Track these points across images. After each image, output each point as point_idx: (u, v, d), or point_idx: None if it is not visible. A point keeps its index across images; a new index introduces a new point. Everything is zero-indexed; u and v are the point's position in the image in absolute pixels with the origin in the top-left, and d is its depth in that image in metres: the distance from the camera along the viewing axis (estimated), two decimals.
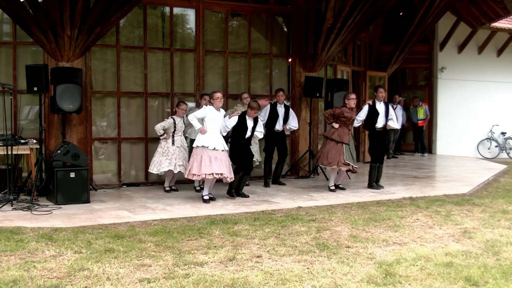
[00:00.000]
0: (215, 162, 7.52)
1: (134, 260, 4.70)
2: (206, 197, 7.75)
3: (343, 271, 4.45)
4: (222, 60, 10.17)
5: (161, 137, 8.50)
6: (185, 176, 7.84)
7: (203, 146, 7.58)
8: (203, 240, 5.42)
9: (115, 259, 4.70)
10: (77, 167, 7.53)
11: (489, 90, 15.64)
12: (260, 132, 8.26)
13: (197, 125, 7.69)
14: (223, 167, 7.56)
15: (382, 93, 8.98)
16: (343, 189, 8.95)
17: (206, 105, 8.04)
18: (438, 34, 15.56)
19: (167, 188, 8.75)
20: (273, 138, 9.36)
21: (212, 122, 7.71)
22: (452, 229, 6.04)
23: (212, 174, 7.49)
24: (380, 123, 8.94)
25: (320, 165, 9.33)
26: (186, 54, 9.83)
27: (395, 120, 9.19)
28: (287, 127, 9.58)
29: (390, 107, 9.16)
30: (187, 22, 9.96)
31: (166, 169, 8.42)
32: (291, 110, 9.71)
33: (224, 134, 7.94)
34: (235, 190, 8.12)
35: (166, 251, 5.00)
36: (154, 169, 8.49)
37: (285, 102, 9.73)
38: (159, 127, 8.47)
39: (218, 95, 7.79)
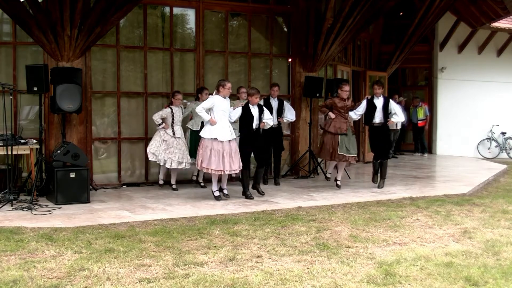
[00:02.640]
0: (224, 157, 7.53)
1: (134, 260, 4.70)
2: (216, 193, 7.79)
3: (343, 271, 4.44)
4: (222, 60, 10.17)
5: (159, 127, 8.54)
6: (198, 167, 7.87)
7: (211, 138, 7.57)
8: (203, 240, 5.42)
9: (115, 259, 4.70)
10: (77, 167, 7.53)
11: (489, 90, 15.64)
12: (269, 119, 8.25)
13: (206, 116, 7.65)
14: (231, 162, 7.59)
15: (375, 89, 8.99)
16: (338, 186, 8.94)
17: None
18: (438, 34, 15.56)
19: (161, 182, 8.83)
20: (268, 133, 9.23)
21: (221, 111, 7.68)
22: (452, 229, 6.04)
23: (221, 170, 7.55)
24: (377, 118, 8.93)
25: (321, 159, 9.34)
26: (186, 54, 9.83)
27: (400, 114, 9.05)
28: (284, 120, 9.58)
29: (392, 102, 9.07)
30: (187, 22, 9.96)
31: (161, 163, 8.48)
32: (285, 103, 9.73)
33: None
34: (252, 185, 8.14)
35: (166, 251, 5.00)
36: (152, 156, 8.52)
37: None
38: (156, 116, 8.53)
39: (230, 85, 7.83)
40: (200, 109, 7.68)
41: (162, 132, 8.54)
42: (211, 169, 7.56)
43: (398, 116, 9.02)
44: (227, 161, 7.57)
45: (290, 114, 9.67)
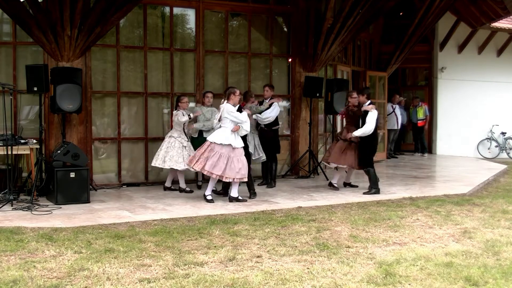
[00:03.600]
0: (234, 163, 7.48)
1: (134, 260, 4.70)
2: (209, 197, 7.69)
3: (343, 271, 4.45)
4: (222, 60, 10.17)
5: (189, 119, 8.36)
6: (196, 169, 7.62)
7: (224, 144, 7.45)
8: (203, 240, 5.42)
9: (115, 259, 4.70)
10: (77, 167, 7.53)
11: (489, 90, 15.64)
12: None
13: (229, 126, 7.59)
14: (242, 168, 7.54)
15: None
16: (355, 186, 9.09)
17: (210, 103, 8.45)
18: (438, 34, 15.55)
19: (178, 187, 8.62)
20: (261, 136, 9.04)
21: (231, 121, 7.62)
22: (452, 229, 6.04)
23: (223, 176, 7.44)
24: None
25: (329, 163, 9.00)
26: (186, 54, 9.83)
27: (365, 127, 8.35)
28: (258, 118, 8.92)
29: (369, 113, 8.43)
30: (187, 22, 9.96)
31: (184, 168, 8.28)
32: (274, 104, 8.98)
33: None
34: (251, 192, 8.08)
35: (166, 251, 5.00)
36: (172, 164, 8.27)
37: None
38: (182, 117, 8.32)
39: (239, 91, 7.85)
40: (244, 118, 7.57)
41: (178, 141, 8.36)
42: (215, 174, 7.44)
43: (362, 128, 8.38)
44: (237, 166, 7.47)
45: (268, 112, 8.84)
